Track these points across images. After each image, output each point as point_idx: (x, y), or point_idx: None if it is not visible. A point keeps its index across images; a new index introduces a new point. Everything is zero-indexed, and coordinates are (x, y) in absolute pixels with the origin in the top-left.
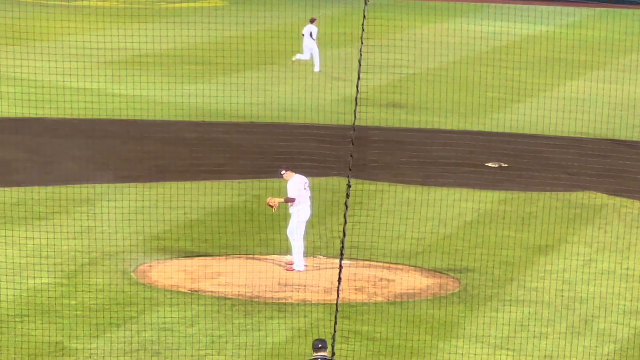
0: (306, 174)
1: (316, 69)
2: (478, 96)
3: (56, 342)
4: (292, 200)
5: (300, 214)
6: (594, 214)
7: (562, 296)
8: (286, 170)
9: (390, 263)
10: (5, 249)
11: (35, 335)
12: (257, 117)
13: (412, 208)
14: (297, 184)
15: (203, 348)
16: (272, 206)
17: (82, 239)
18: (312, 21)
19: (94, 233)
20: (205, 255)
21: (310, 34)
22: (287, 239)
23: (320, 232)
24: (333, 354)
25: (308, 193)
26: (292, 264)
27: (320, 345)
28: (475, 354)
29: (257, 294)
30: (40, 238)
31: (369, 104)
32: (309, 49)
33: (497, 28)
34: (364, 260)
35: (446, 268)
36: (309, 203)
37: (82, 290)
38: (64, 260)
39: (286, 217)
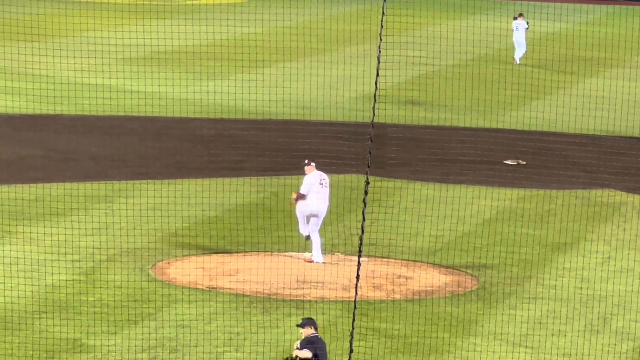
0: (325, 171)
1: (517, 62)
2: (497, 94)
3: (74, 339)
4: (302, 197)
5: (305, 207)
6: (613, 211)
7: (580, 294)
8: (309, 164)
9: (409, 260)
10: (24, 246)
11: (53, 332)
12: (275, 114)
13: (431, 205)
14: (311, 179)
15: (221, 345)
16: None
17: (100, 235)
18: (520, 16)
19: (112, 230)
20: (223, 252)
21: (517, 28)
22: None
23: (339, 229)
24: (351, 351)
25: (324, 189)
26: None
27: (315, 326)
28: (493, 352)
29: (275, 291)
30: (58, 235)
31: (387, 101)
32: (518, 42)
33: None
34: (382, 257)
35: (464, 265)
36: (322, 200)
37: (100, 287)
38: (82, 256)
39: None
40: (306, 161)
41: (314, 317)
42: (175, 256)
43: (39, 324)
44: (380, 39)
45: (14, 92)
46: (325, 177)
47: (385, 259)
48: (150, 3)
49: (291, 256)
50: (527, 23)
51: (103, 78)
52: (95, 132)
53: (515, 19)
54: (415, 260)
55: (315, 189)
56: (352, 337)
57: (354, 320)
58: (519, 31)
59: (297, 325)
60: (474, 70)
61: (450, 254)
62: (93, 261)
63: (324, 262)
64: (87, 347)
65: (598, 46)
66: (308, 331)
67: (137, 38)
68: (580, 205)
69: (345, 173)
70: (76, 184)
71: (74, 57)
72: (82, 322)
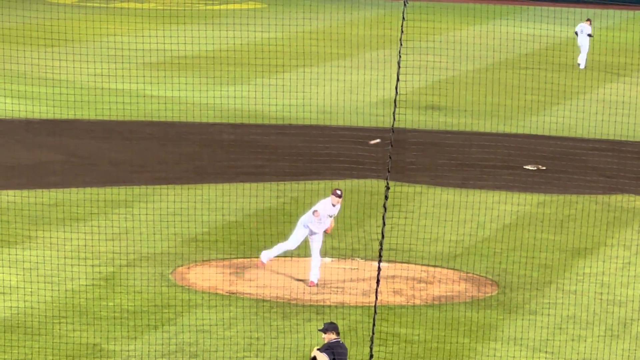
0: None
1: (581, 66)
2: (517, 99)
3: (94, 344)
4: (316, 212)
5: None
6: (633, 216)
7: (600, 299)
8: (341, 196)
9: (429, 265)
10: (44, 251)
11: (73, 337)
12: (295, 119)
13: (451, 210)
14: (325, 207)
15: (241, 350)
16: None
17: (119, 240)
18: (587, 20)
19: (131, 235)
20: (243, 257)
21: (581, 31)
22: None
23: (359, 234)
24: (371, 356)
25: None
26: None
27: (338, 331)
28: (513, 357)
29: (295, 296)
30: (78, 239)
31: (407, 106)
32: (582, 46)
33: (536, 30)
34: (402, 262)
35: (484, 271)
36: (323, 226)
37: (120, 292)
38: (101, 262)
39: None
40: (339, 192)
41: (334, 322)
42: (195, 261)
43: (59, 329)
44: (401, 44)
45: (34, 97)
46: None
47: (405, 264)
48: (170, 8)
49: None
50: (591, 29)
51: (123, 83)
52: (115, 137)
53: (587, 20)
54: (435, 266)
55: (325, 217)
56: (372, 342)
57: (374, 325)
58: (582, 34)
59: (320, 330)
60: (494, 75)
61: (470, 259)
62: (113, 266)
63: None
64: (107, 352)
65: (618, 51)
66: (330, 336)
67: (157, 43)
68: (600, 211)
69: (366, 178)
70: (96, 188)
71: (94, 62)
72: (102, 327)
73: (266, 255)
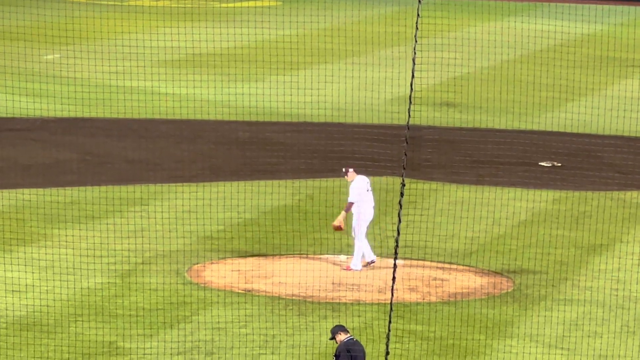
0: (359, 174)
1: None
2: (532, 95)
3: (110, 342)
4: (351, 205)
5: (361, 213)
6: None
7: (616, 295)
8: (350, 170)
9: (444, 262)
10: (59, 249)
11: (89, 335)
12: (310, 116)
13: (466, 207)
14: (359, 185)
15: (257, 348)
16: (339, 228)
17: (135, 238)
18: None
19: (147, 233)
20: (259, 254)
21: None
22: (347, 238)
23: (375, 231)
24: (387, 353)
25: (370, 194)
26: (348, 264)
27: (346, 329)
28: (529, 354)
29: (311, 293)
30: (94, 238)
31: (422, 103)
32: None
33: (551, 27)
34: (417, 259)
35: (500, 267)
36: (372, 204)
37: (136, 290)
38: (117, 260)
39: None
40: (344, 169)
41: (349, 319)
42: (211, 259)
43: (75, 327)
44: (416, 41)
45: (49, 96)
46: (368, 181)
47: (421, 261)
48: (185, 6)
49: (327, 259)
50: None
51: (138, 81)
52: (131, 135)
53: None
54: (450, 262)
55: (364, 194)
56: (388, 340)
57: (390, 322)
58: None
59: (330, 339)
60: (509, 72)
61: (485, 256)
62: (129, 264)
63: (361, 268)
64: (122, 350)
65: (633, 47)
66: (342, 337)
67: (172, 41)
68: (615, 207)
69: (381, 175)
70: (111, 187)
71: (109, 59)
72: (118, 325)
73: (355, 264)
